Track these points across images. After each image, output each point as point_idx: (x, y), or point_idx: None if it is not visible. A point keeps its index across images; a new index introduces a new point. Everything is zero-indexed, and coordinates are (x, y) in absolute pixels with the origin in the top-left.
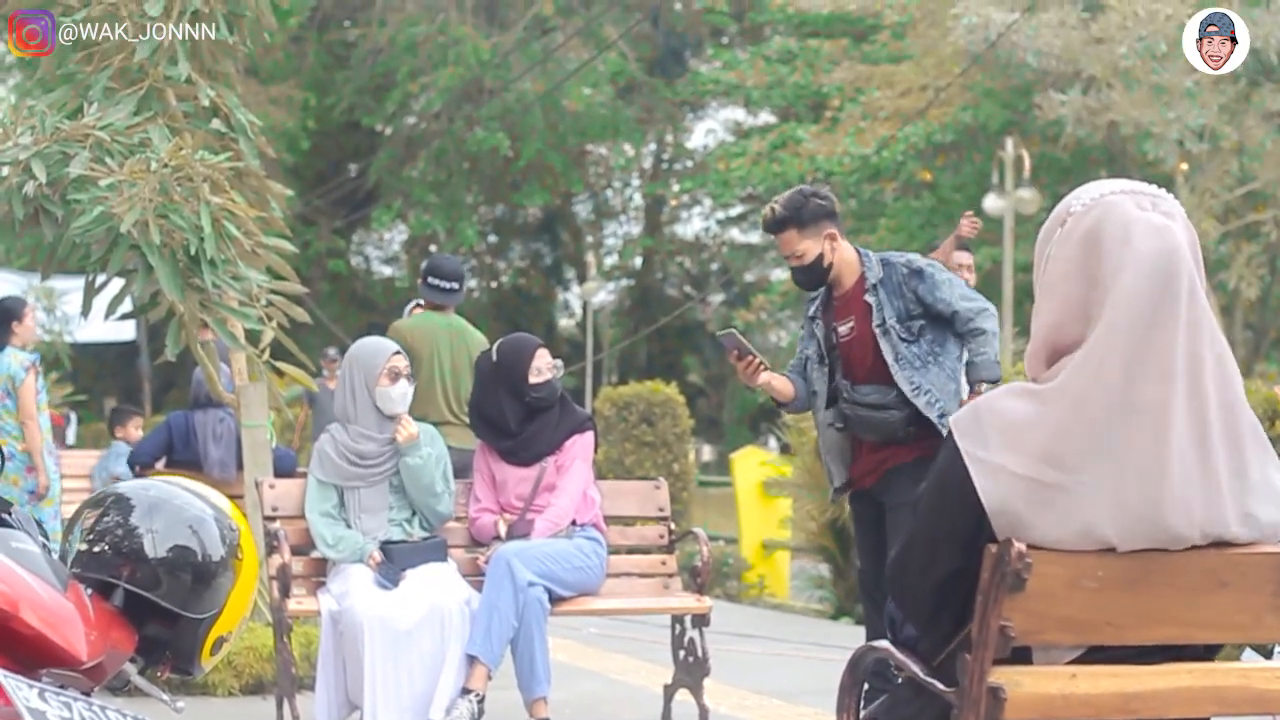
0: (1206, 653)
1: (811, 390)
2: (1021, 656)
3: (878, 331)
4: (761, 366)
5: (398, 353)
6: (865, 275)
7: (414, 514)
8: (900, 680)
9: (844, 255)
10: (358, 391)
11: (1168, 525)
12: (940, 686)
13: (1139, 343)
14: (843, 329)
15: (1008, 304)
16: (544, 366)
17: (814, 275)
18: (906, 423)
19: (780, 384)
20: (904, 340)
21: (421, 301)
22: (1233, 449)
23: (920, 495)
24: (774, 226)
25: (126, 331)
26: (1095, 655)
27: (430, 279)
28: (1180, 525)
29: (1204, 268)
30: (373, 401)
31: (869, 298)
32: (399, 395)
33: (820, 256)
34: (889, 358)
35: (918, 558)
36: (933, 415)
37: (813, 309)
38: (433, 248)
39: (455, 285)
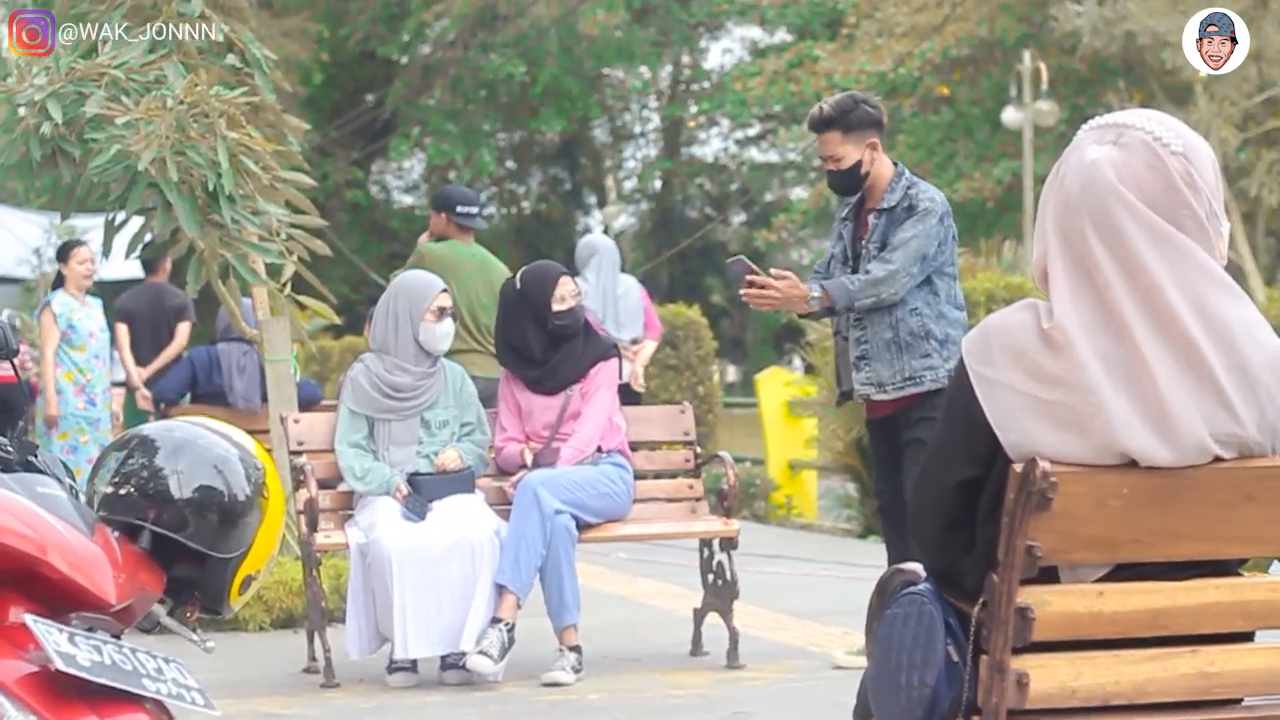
0: (1233, 568)
1: None
2: (1049, 576)
3: (862, 254)
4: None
5: (445, 290)
6: (885, 196)
7: (443, 448)
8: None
9: (880, 168)
10: (400, 323)
11: (1178, 440)
12: (967, 607)
13: (1081, 284)
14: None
15: (1028, 217)
16: (567, 294)
17: (850, 181)
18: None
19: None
20: None
21: None
22: (1224, 350)
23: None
24: (819, 126)
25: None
26: (1123, 573)
27: (459, 208)
28: (1189, 439)
29: (1220, 177)
30: (414, 335)
31: (873, 219)
32: (443, 333)
33: (859, 164)
34: None
35: (934, 467)
36: (853, 353)
37: (845, 210)
38: (452, 175)
39: (477, 209)
